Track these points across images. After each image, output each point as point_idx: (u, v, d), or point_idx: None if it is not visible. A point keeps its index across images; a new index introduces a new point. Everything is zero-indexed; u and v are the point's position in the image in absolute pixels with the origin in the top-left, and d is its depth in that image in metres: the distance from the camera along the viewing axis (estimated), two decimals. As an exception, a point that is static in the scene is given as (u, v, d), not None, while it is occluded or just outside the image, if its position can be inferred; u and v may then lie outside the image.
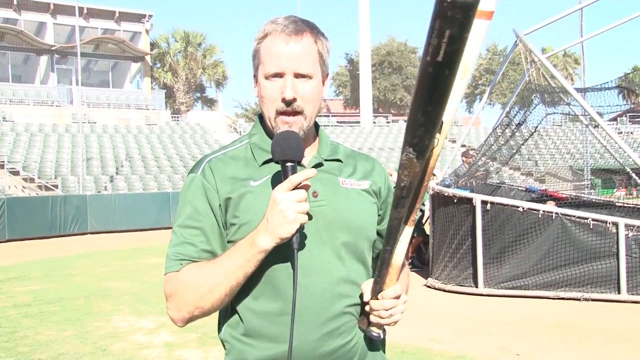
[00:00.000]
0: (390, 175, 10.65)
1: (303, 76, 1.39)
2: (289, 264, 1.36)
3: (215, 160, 1.46)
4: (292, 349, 1.31)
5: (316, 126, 1.54)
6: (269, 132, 1.46)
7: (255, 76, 1.44)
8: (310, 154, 1.48)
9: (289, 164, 1.31)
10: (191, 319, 1.38)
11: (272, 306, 1.37)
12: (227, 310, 1.44)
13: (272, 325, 1.37)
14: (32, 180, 22.75)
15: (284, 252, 1.34)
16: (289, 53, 1.37)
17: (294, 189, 1.28)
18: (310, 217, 1.33)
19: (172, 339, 5.74)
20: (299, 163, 1.36)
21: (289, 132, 1.35)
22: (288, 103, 1.37)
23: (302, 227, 1.29)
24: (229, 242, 1.40)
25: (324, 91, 1.48)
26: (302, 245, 1.35)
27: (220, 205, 1.39)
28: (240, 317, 1.41)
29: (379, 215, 1.55)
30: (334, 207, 1.42)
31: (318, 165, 1.46)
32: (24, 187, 22.30)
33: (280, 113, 1.39)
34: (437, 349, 5.25)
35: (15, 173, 23.13)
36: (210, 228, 1.40)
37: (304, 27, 1.40)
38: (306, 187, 1.30)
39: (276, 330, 1.37)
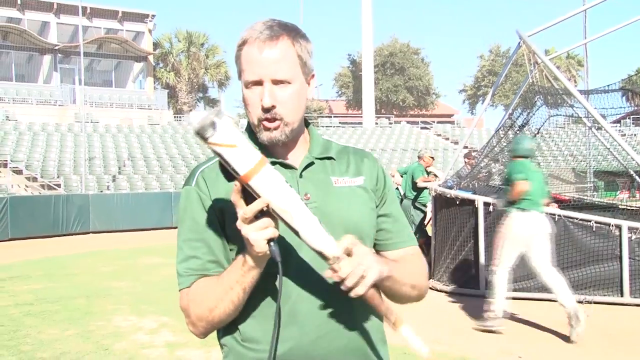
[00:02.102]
0: (393, 176, 10.64)
1: (281, 82, 1.37)
2: (286, 273, 1.36)
3: (207, 171, 1.46)
4: (288, 350, 1.36)
5: (307, 124, 1.53)
6: (256, 138, 1.46)
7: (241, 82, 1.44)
8: (301, 154, 1.47)
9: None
10: (207, 331, 1.43)
11: (268, 311, 1.38)
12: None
13: (270, 328, 1.37)
14: (34, 179, 22.79)
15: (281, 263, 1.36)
16: (265, 60, 1.36)
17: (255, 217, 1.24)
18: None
19: (173, 338, 5.74)
20: (284, 165, 1.42)
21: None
22: (266, 110, 1.37)
23: (277, 239, 1.26)
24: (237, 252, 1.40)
25: (309, 92, 1.48)
26: (288, 260, 1.35)
27: (217, 215, 1.41)
28: (238, 321, 1.42)
29: (377, 203, 1.53)
30: (327, 207, 1.40)
31: (309, 165, 1.46)
32: (26, 186, 22.34)
33: (261, 120, 1.39)
34: (439, 350, 5.24)
35: (18, 172, 23.17)
36: (212, 238, 1.41)
37: (280, 31, 1.39)
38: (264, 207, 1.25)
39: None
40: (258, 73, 1.37)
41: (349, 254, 1.26)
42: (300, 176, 1.44)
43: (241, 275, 1.32)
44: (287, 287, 1.37)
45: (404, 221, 1.58)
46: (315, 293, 1.38)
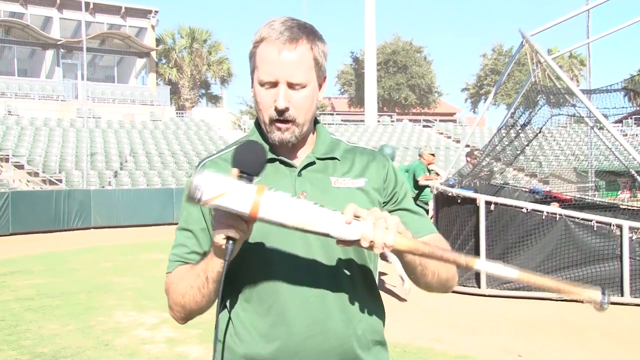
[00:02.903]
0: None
1: (297, 85, 1.38)
2: (274, 269, 1.40)
3: (209, 164, 1.49)
4: (275, 350, 1.38)
5: (316, 123, 1.54)
6: (265, 136, 1.46)
7: (252, 78, 1.44)
8: (304, 153, 1.48)
9: (244, 176, 1.26)
10: (185, 317, 1.47)
11: (259, 308, 1.41)
12: (222, 312, 1.48)
13: (259, 325, 1.40)
14: (36, 174, 22.80)
15: (268, 258, 1.39)
16: (283, 62, 1.36)
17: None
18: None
19: (174, 334, 5.75)
20: (285, 163, 1.44)
21: (253, 145, 1.30)
22: (280, 112, 1.38)
23: (234, 240, 1.26)
24: None
25: (321, 94, 1.48)
26: (277, 258, 1.39)
27: (210, 210, 1.41)
28: (232, 318, 1.45)
29: (384, 202, 1.51)
30: None
31: (310, 165, 1.46)
32: (28, 181, 22.36)
33: (273, 120, 1.40)
34: (439, 349, 5.25)
35: (20, 167, 23.19)
36: (200, 231, 1.46)
37: (300, 33, 1.39)
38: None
39: (262, 331, 1.40)
40: (275, 74, 1.37)
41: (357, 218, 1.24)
42: (299, 175, 1.45)
43: (205, 263, 1.34)
44: (277, 285, 1.39)
45: (422, 213, 1.57)
46: (306, 292, 1.39)
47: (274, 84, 1.38)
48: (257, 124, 1.51)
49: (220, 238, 1.24)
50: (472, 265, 1.24)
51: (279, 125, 1.40)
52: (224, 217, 1.23)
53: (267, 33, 1.39)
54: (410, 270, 1.42)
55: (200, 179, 1.19)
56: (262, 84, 1.39)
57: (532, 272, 1.27)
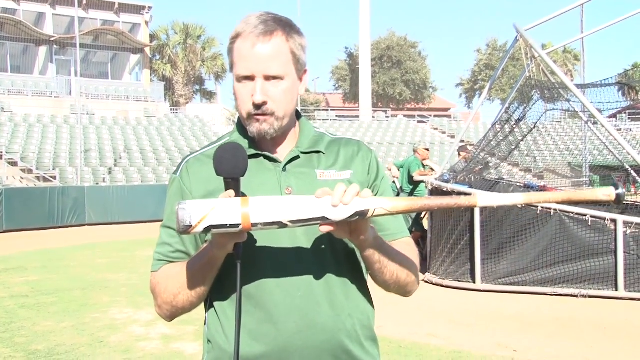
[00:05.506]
0: (389, 169, 10.65)
1: (274, 78, 1.38)
2: (260, 265, 1.39)
3: (192, 161, 1.49)
4: (264, 347, 1.37)
5: (299, 117, 1.53)
6: (246, 131, 1.46)
7: (233, 75, 1.44)
8: (288, 148, 1.48)
9: (230, 180, 1.27)
10: (173, 315, 1.47)
11: (246, 305, 1.39)
12: (210, 311, 1.48)
13: (247, 323, 1.39)
14: (30, 171, 22.72)
15: (255, 254, 1.38)
16: (258, 55, 1.36)
17: None
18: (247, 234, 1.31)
19: (169, 331, 5.73)
20: (269, 159, 1.44)
21: (231, 146, 1.30)
22: (258, 106, 1.38)
23: (240, 243, 1.28)
24: (206, 241, 1.41)
25: (302, 87, 1.48)
26: (263, 256, 1.39)
27: None
28: (219, 316, 1.44)
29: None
30: None
31: (294, 159, 1.46)
32: (22, 178, 22.28)
33: (252, 114, 1.40)
34: (434, 344, 5.26)
35: (14, 164, 23.10)
36: None
37: (275, 26, 1.38)
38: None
39: (250, 328, 1.39)
40: (250, 68, 1.37)
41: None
42: (284, 170, 1.44)
43: (204, 263, 1.35)
44: (263, 281, 1.38)
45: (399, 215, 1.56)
46: (293, 288, 1.38)
47: (251, 78, 1.38)
48: (239, 121, 1.50)
49: (230, 246, 1.27)
50: (475, 202, 1.24)
51: (257, 117, 1.39)
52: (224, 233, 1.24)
53: (242, 28, 1.38)
54: (369, 265, 1.43)
55: (183, 210, 1.20)
56: (239, 79, 1.39)
57: (536, 194, 1.26)
